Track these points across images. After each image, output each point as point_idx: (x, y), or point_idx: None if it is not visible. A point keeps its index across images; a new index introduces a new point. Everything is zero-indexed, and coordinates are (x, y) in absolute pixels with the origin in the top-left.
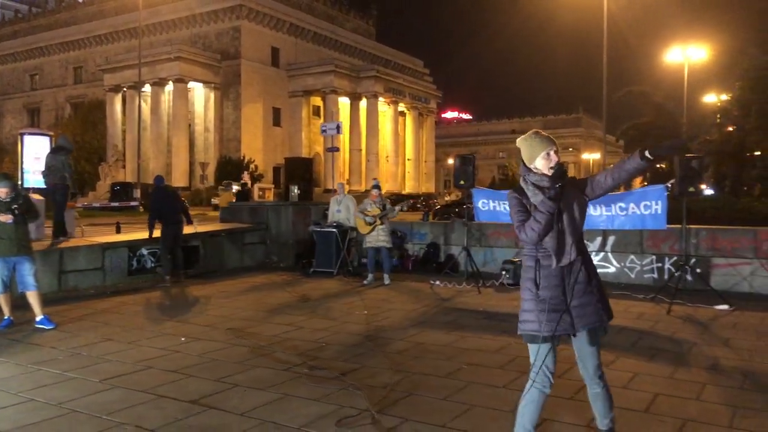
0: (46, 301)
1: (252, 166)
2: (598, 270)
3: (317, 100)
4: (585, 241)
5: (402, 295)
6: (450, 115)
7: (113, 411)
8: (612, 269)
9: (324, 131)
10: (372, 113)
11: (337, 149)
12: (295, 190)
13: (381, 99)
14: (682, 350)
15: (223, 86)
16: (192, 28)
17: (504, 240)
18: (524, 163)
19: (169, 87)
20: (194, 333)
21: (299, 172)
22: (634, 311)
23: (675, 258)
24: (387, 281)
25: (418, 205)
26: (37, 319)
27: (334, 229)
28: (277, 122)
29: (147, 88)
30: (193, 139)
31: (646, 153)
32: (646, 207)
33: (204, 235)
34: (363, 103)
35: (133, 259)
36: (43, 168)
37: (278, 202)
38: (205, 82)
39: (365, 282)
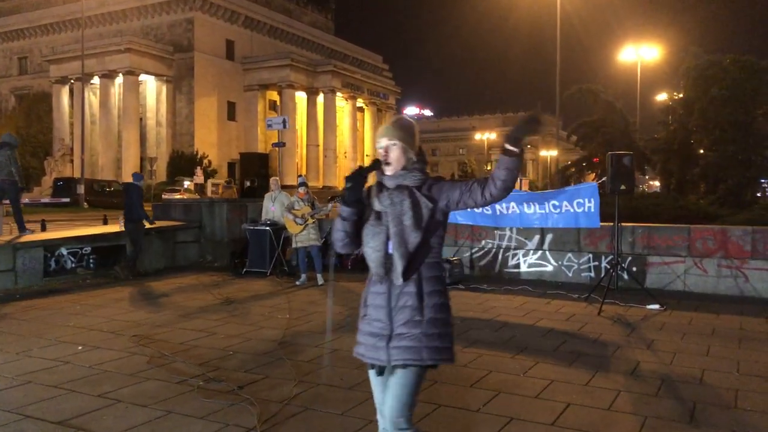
0: None
1: (206, 161)
2: (536, 268)
3: (274, 95)
4: (523, 239)
5: (334, 298)
6: (411, 111)
7: None
8: (550, 268)
9: (269, 126)
10: (329, 108)
11: (284, 144)
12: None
13: (339, 94)
14: (605, 354)
15: (176, 79)
16: (143, 20)
17: (447, 238)
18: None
19: (120, 80)
20: (95, 340)
21: (255, 167)
22: (565, 312)
23: (611, 256)
24: (320, 281)
25: None
26: None
27: (267, 228)
28: (232, 116)
29: (96, 81)
30: (145, 133)
31: (506, 145)
32: (579, 205)
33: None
34: (320, 98)
35: (50, 260)
36: None
37: (213, 199)
38: (157, 75)
39: (297, 283)
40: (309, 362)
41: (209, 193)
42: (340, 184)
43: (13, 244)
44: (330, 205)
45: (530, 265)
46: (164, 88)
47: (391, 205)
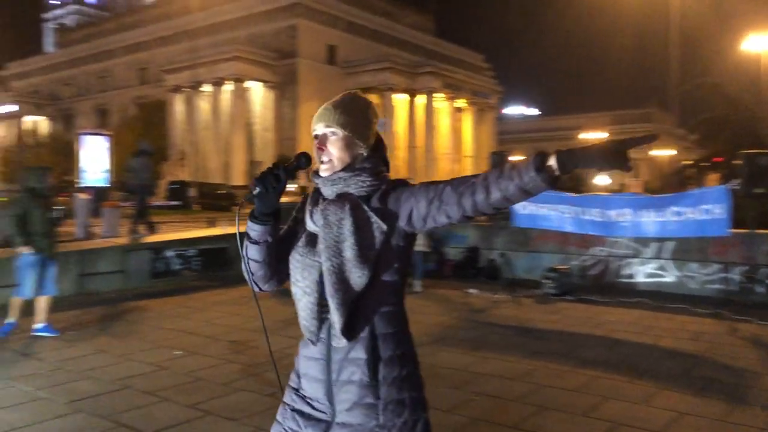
0: (64, 304)
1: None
2: (653, 279)
3: (374, 98)
4: (639, 247)
5: (430, 305)
6: (514, 110)
7: None
8: (669, 278)
9: None
10: (429, 110)
11: None
12: None
13: (439, 95)
14: (743, 382)
15: (281, 85)
16: (250, 28)
17: (551, 244)
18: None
19: (228, 87)
20: (193, 345)
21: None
22: (691, 329)
23: (747, 268)
24: (418, 288)
25: None
26: (38, 326)
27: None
28: None
29: (207, 88)
30: (252, 138)
31: (552, 162)
32: (706, 211)
33: (232, 236)
34: (420, 100)
35: (157, 261)
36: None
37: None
38: (262, 81)
39: None
40: None
41: None
42: None
43: (124, 245)
44: None
45: (647, 276)
46: (270, 94)
47: (324, 227)
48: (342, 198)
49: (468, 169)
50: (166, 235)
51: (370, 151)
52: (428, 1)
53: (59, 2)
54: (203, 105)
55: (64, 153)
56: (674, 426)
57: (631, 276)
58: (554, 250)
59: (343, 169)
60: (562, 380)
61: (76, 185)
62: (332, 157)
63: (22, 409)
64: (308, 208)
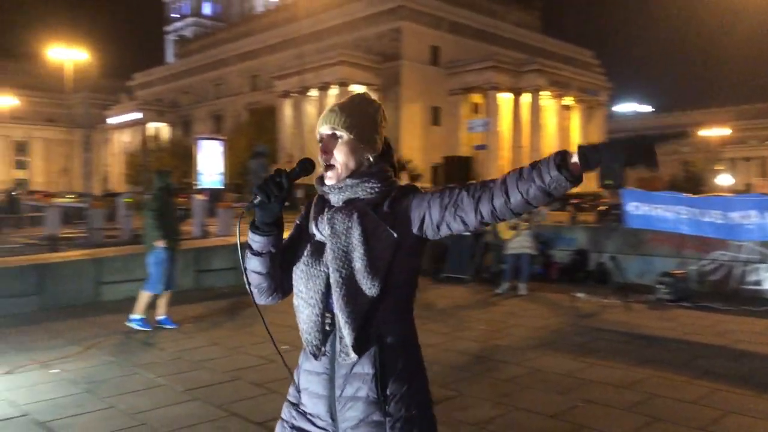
0: (182, 299)
1: (410, 165)
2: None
3: (477, 98)
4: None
5: (535, 309)
6: (626, 107)
7: (179, 428)
8: None
9: (471, 128)
10: (535, 108)
11: (485, 147)
12: None
13: (545, 93)
14: None
15: (384, 88)
16: (354, 33)
17: (666, 248)
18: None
19: (334, 91)
20: (298, 340)
21: (458, 170)
22: None
23: None
24: (523, 291)
25: (584, 206)
26: (160, 318)
27: (468, 232)
28: (436, 121)
29: (313, 93)
30: None
31: (574, 159)
32: None
33: None
34: (525, 98)
35: None
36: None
37: None
38: (366, 84)
39: (498, 291)
40: (507, 381)
41: None
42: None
43: (235, 244)
44: (545, 211)
45: None
46: (373, 97)
47: (332, 236)
48: (350, 205)
49: None
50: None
51: (377, 157)
52: None
53: (179, 15)
54: (310, 109)
55: (183, 157)
56: None
57: (757, 283)
58: (669, 254)
59: (350, 176)
60: (677, 391)
61: (194, 187)
62: (336, 163)
63: (144, 394)
64: (312, 215)
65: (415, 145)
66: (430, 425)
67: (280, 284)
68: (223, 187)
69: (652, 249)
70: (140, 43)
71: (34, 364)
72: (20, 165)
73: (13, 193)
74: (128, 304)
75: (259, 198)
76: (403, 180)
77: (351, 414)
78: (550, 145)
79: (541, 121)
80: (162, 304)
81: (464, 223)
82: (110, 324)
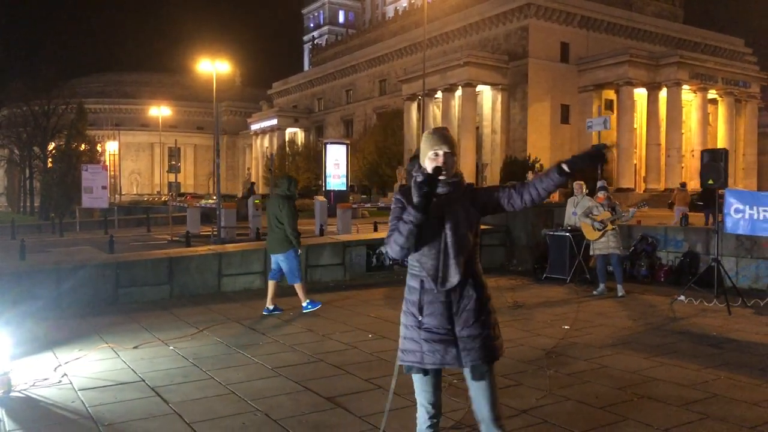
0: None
1: (537, 165)
2: None
3: (610, 94)
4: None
5: (626, 310)
6: None
7: (260, 398)
8: None
9: (590, 127)
10: (673, 103)
11: (605, 146)
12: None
13: (685, 87)
14: None
15: (510, 87)
16: (481, 33)
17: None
18: (419, 162)
19: (459, 92)
20: (384, 330)
21: (586, 170)
22: None
23: None
24: (620, 293)
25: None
26: (270, 307)
27: (567, 233)
28: (565, 119)
29: (439, 95)
30: (481, 140)
31: (564, 166)
32: None
33: None
34: (663, 93)
35: (372, 257)
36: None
37: None
38: (492, 84)
39: (595, 292)
40: (570, 375)
41: None
42: (687, 186)
43: (344, 242)
44: (633, 210)
45: None
46: (499, 97)
47: (450, 212)
48: (451, 194)
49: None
50: (379, 233)
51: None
52: None
53: (313, 25)
54: (435, 111)
55: (315, 160)
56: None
57: None
58: (742, 255)
59: (453, 175)
60: (742, 392)
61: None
62: (449, 168)
63: (239, 370)
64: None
65: (543, 145)
66: (497, 324)
67: (412, 246)
68: (344, 189)
69: None
70: (282, 54)
71: (156, 341)
72: (173, 169)
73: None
74: (244, 294)
75: (428, 188)
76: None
77: (464, 318)
78: (690, 142)
79: (679, 117)
80: (271, 294)
81: (513, 206)
82: (226, 311)
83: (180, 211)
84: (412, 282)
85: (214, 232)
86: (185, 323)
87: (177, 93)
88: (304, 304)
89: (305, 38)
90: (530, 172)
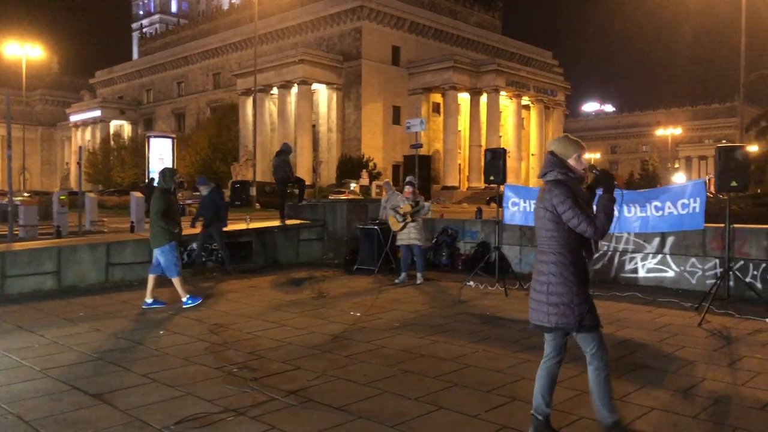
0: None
1: (371, 164)
2: (655, 274)
3: (437, 97)
4: (642, 242)
5: (420, 296)
6: (590, 107)
7: (17, 401)
8: (671, 273)
9: (408, 128)
10: (493, 108)
11: (421, 145)
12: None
13: (503, 93)
14: (669, 369)
15: (345, 87)
16: (316, 32)
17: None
18: (562, 162)
19: (295, 89)
20: (180, 327)
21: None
22: (660, 321)
23: (741, 262)
24: (419, 280)
25: None
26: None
27: (375, 227)
28: (396, 120)
29: (275, 91)
30: (317, 139)
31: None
32: (684, 206)
33: (256, 231)
34: (483, 98)
35: (183, 254)
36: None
37: (335, 199)
38: (327, 84)
39: (396, 281)
40: (348, 357)
41: (373, 194)
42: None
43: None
44: (428, 204)
45: (649, 270)
46: (334, 96)
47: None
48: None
49: (533, 167)
50: (194, 230)
51: None
52: (495, 0)
53: (145, 13)
54: (271, 107)
55: (143, 155)
56: (567, 403)
57: (634, 271)
58: None
59: None
60: (491, 362)
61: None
62: None
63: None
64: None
65: (376, 144)
66: None
67: None
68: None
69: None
70: (108, 41)
71: None
72: None
73: None
74: (32, 295)
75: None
76: (364, 178)
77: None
78: (507, 144)
79: (499, 120)
80: (149, 288)
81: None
82: (4, 315)
83: None
84: (564, 259)
85: (16, 231)
86: None
87: None
88: (184, 299)
89: (134, 26)
90: (364, 171)
